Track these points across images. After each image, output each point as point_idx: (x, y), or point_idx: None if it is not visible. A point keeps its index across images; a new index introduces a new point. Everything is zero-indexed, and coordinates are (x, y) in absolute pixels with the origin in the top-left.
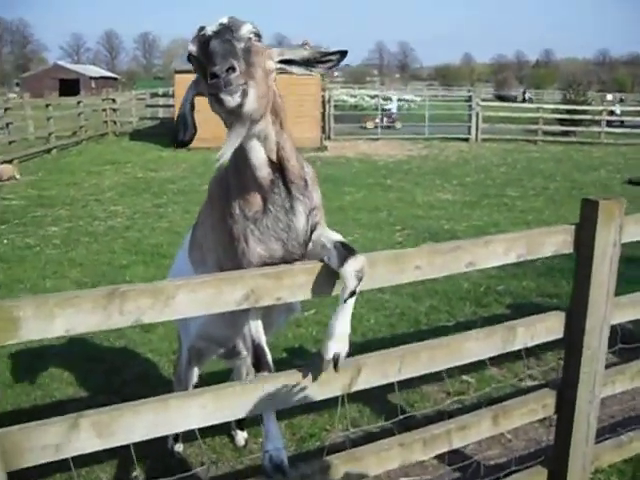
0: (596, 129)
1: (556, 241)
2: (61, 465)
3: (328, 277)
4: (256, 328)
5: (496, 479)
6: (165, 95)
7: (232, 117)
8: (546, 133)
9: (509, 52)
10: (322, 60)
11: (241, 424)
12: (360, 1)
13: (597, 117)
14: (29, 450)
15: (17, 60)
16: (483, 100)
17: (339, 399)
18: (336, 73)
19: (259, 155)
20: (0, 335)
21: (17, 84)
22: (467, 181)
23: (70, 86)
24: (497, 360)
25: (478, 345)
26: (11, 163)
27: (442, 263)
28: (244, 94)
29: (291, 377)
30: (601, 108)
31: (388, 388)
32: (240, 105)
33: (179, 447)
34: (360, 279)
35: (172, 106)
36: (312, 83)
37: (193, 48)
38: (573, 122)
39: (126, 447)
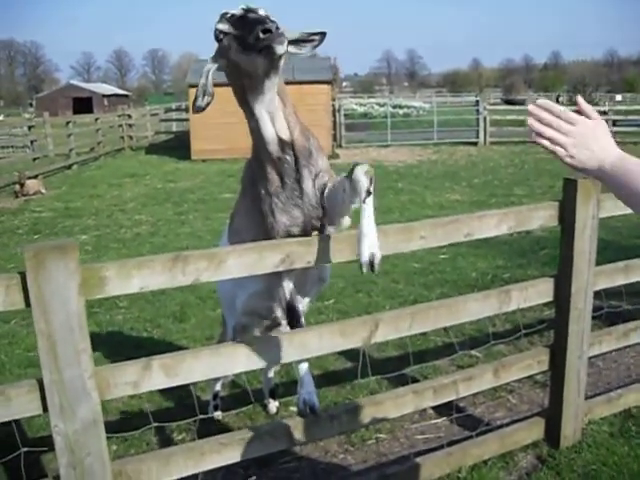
0: None
1: (543, 215)
2: None
3: (348, 244)
4: (290, 292)
5: (499, 427)
6: (178, 109)
7: (270, 69)
8: None
9: (517, 56)
10: (308, 40)
11: (273, 394)
12: (367, 11)
13: (604, 117)
14: (114, 385)
15: (30, 81)
16: (491, 105)
17: (358, 372)
18: (345, 83)
19: (269, 129)
20: (92, 290)
21: (30, 104)
22: (475, 182)
23: (83, 104)
24: (504, 336)
25: (477, 305)
26: (36, 178)
27: (443, 233)
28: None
29: (319, 330)
30: (604, 108)
31: (404, 362)
32: (283, 54)
33: (219, 415)
34: (370, 179)
35: (186, 120)
36: (322, 93)
37: (224, 26)
38: None
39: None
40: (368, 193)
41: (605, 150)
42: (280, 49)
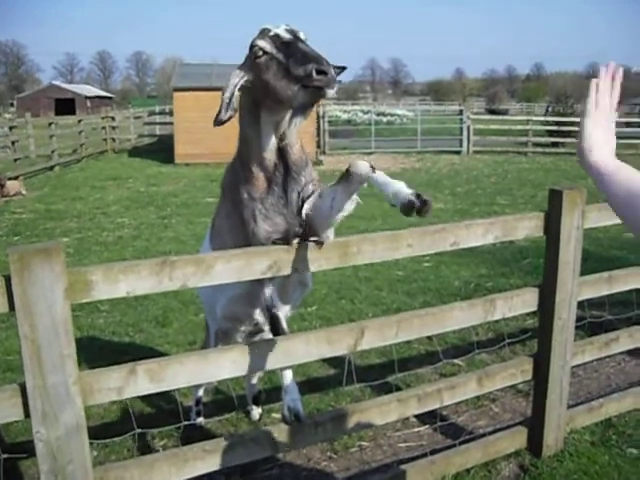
0: None
1: (528, 225)
2: None
3: (336, 251)
4: (271, 299)
5: (482, 436)
6: (162, 113)
7: (308, 106)
8: (536, 145)
9: (500, 67)
10: None
11: (256, 400)
12: (352, 19)
13: None
14: (98, 390)
15: (11, 81)
16: (475, 114)
17: (343, 379)
18: None
19: (271, 140)
20: (78, 295)
21: (11, 104)
22: (458, 191)
23: (66, 106)
24: (487, 345)
25: (462, 314)
26: (17, 179)
27: (430, 242)
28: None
29: (306, 337)
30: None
31: (387, 370)
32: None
33: (201, 421)
34: (372, 167)
35: (170, 123)
36: None
37: (266, 45)
38: (562, 134)
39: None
40: (372, 169)
41: (598, 145)
42: (330, 93)
